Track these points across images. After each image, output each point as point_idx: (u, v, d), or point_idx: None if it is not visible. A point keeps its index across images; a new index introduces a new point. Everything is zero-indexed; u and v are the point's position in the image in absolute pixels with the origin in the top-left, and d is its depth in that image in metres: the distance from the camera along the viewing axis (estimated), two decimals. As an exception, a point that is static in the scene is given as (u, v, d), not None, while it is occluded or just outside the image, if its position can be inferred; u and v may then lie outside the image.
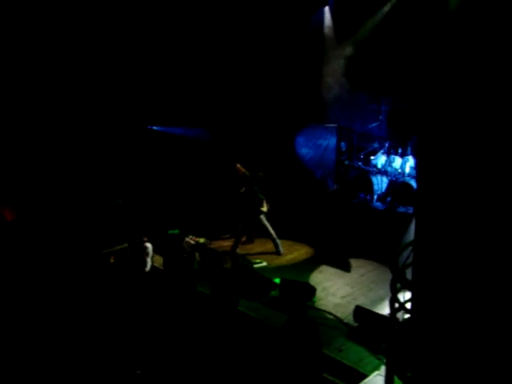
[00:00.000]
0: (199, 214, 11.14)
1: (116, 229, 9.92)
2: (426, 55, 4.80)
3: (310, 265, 9.59)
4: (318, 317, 7.38)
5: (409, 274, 5.30)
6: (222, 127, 13.38)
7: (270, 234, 9.95)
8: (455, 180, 4.37)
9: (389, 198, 11.04)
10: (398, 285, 5.45)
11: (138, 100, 12.67)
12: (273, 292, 8.19)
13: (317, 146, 12.92)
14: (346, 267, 9.45)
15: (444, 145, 4.45)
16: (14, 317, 7.26)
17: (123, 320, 7.19)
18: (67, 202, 11.03)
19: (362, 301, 7.95)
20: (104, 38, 11.89)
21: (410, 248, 5.34)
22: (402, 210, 10.60)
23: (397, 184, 10.93)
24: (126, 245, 8.83)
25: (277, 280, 8.35)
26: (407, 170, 10.89)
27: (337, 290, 8.52)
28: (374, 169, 11.44)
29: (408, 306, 5.31)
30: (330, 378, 6.11)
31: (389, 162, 11.24)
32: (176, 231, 8.71)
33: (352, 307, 7.51)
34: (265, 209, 9.81)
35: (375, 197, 11.26)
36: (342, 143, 12.60)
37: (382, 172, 11.27)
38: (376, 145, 12.13)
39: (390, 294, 5.52)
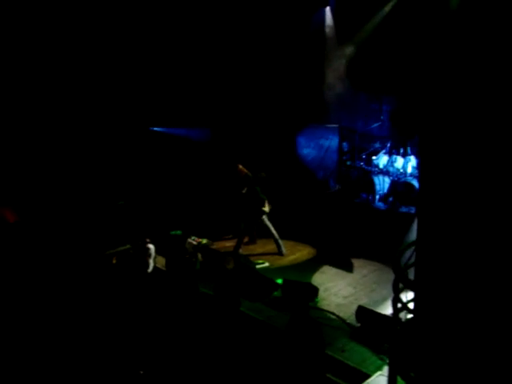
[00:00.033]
0: (201, 214, 11.14)
1: (118, 230, 9.93)
2: (427, 55, 4.80)
3: (313, 265, 9.59)
4: (320, 317, 7.38)
5: (411, 274, 5.30)
6: (223, 128, 13.39)
7: (273, 234, 9.95)
8: (457, 180, 4.37)
9: (391, 198, 11.04)
10: (401, 285, 5.45)
11: (140, 101, 12.69)
12: (275, 293, 8.19)
13: (319, 146, 12.94)
14: (348, 267, 9.45)
15: (446, 144, 4.45)
16: (18, 318, 7.27)
17: (126, 320, 7.19)
18: (70, 204, 11.05)
19: (365, 301, 7.95)
20: (106, 39, 11.91)
21: (413, 248, 5.34)
22: (404, 210, 10.61)
23: (399, 184, 10.93)
24: (128, 246, 8.83)
25: (279, 280, 8.35)
26: (409, 169, 10.89)
27: (339, 291, 8.52)
28: (376, 169, 11.44)
29: (410, 306, 5.31)
30: (332, 378, 6.11)
31: (391, 162, 11.24)
32: (178, 232, 8.69)
33: (354, 307, 7.50)
34: (267, 209, 9.81)
35: (377, 197, 11.26)
36: (344, 143, 12.61)
37: (384, 172, 11.27)
38: (378, 145, 12.14)
39: (392, 294, 5.53)
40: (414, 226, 5.56)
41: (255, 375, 6.20)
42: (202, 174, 12.63)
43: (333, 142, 12.64)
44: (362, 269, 9.39)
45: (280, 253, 9.98)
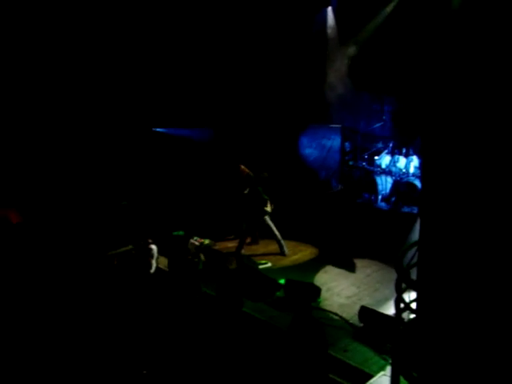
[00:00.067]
0: (204, 215, 11.14)
1: (121, 231, 9.94)
2: (429, 55, 4.80)
3: (315, 265, 9.58)
4: (323, 317, 7.38)
5: (414, 274, 5.29)
6: (225, 128, 13.40)
7: (275, 234, 9.94)
8: (460, 179, 4.36)
9: (393, 198, 11.03)
10: (404, 285, 5.45)
11: (143, 102, 12.70)
12: (278, 293, 8.19)
13: (321, 146, 12.94)
14: (350, 267, 9.44)
15: (448, 144, 4.44)
16: (21, 319, 7.29)
17: (129, 321, 7.20)
18: (72, 205, 11.06)
19: (368, 301, 7.94)
20: (109, 40, 11.93)
21: (415, 248, 5.33)
22: (406, 209, 10.60)
23: (401, 184, 10.92)
24: (130, 246, 8.85)
25: (282, 281, 8.35)
26: (411, 169, 10.88)
27: (342, 291, 8.51)
28: (379, 169, 11.43)
29: (413, 306, 5.30)
30: (335, 378, 6.11)
31: (393, 162, 11.22)
32: (181, 233, 8.69)
33: (357, 307, 7.50)
34: (269, 209, 9.81)
35: (380, 197, 11.25)
36: (346, 143, 12.61)
37: (387, 172, 11.26)
38: (380, 145, 12.13)
39: (395, 294, 5.52)
40: (417, 226, 5.56)
41: (258, 375, 6.20)
42: (204, 175, 12.63)
43: (335, 142, 12.64)
44: (365, 269, 9.38)
45: (282, 253, 9.97)
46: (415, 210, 10.15)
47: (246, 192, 10.13)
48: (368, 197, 11.52)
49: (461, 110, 4.31)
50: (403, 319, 5.58)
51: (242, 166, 10.70)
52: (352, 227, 10.47)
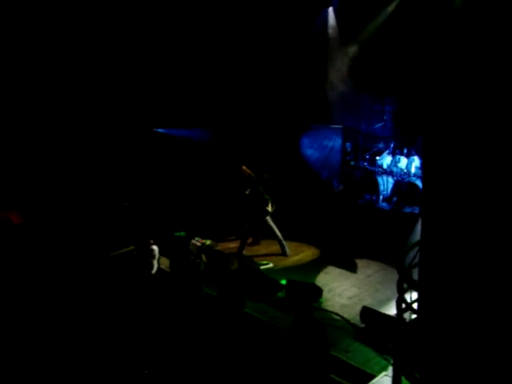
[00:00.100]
0: (205, 215, 11.15)
1: (122, 231, 9.95)
2: (430, 55, 4.80)
3: (317, 266, 9.58)
4: (324, 318, 7.37)
5: (415, 275, 5.29)
6: (227, 128, 13.40)
7: (276, 235, 9.95)
8: (461, 179, 4.36)
9: (394, 199, 11.02)
10: (405, 285, 5.45)
11: (145, 103, 12.71)
12: (279, 293, 8.19)
13: (322, 146, 12.94)
14: (352, 268, 9.44)
15: (449, 144, 4.44)
16: (23, 319, 7.30)
17: (131, 321, 7.21)
18: (73, 205, 11.08)
19: (369, 301, 7.93)
20: (110, 41, 11.95)
21: (417, 248, 5.33)
22: (407, 210, 10.59)
23: (402, 184, 10.92)
24: (132, 247, 8.86)
25: (283, 281, 8.35)
26: (413, 170, 10.88)
27: (343, 291, 8.51)
28: (380, 169, 11.43)
29: (415, 306, 5.30)
30: (337, 378, 6.10)
31: (394, 163, 11.22)
32: (182, 233, 8.71)
33: (359, 308, 7.49)
34: (270, 210, 9.81)
35: (381, 197, 11.25)
36: (348, 144, 12.61)
37: (388, 172, 11.26)
38: (381, 145, 12.13)
39: (396, 295, 5.52)
40: (418, 226, 5.57)
41: (259, 376, 6.20)
42: (205, 175, 12.64)
43: (336, 142, 12.64)
44: (366, 269, 9.38)
45: (284, 253, 9.98)
46: (416, 211, 10.14)
47: (247, 192, 10.13)
48: (369, 197, 11.52)
49: (462, 110, 4.31)
50: (405, 319, 5.58)
51: (244, 167, 10.71)
52: (353, 228, 10.47)
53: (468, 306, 4.30)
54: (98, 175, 12.01)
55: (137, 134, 12.77)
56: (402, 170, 11.04)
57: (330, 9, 12.96)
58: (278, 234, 9.93)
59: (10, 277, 8.33)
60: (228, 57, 12.94)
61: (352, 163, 12.44)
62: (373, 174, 11.58)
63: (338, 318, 7.57)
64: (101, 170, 12.12)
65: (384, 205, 11.14)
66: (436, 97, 4.66)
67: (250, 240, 10.31)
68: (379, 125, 12.06)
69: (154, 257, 8.18)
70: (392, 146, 11.45)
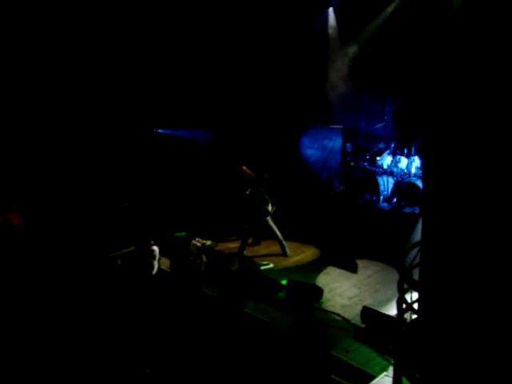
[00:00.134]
0: (205, 216, 11.15)
1: (122, 232, 9.95)
2: (430, 55, 4.80)
3: (317, 266, 9.58)
4: (325, 318, 7.37)
5: (416, 275, 5.29)
6: (227, 129, 13.41)
7: (277, 235, 9.95)
8: (461, 179, 4.36)
9: (395, 199, 11.02)
10: (405, 285, 5.45)
11: (145, 103, 12.72)
12: (280, 294, 8.19)
13: (322, 147, 12.93)
14: (352, 268, 9.44)
15: (450, 144, 4.44)
16: (24, 320, 7.30)
17: (131, 321, 7.21)
18: (73, 206, 11.08)
19: (369, 302, 7.93)
20: (111, 41, 11.95)
21: (417, 248, 5.33)
22: (408, 210, 10.59)
23: (403, 184, 10.91)
24: (132, 248, 8.86)
25: (284, 281, 8.35)
26: (413, 170, 10.87)
27: (344, 291, 8.51)
28: (380, 169, 11.42)
29: (415, 306, 5.30)
30: (337, 379, 6.10)
31: (395, 163, 11.21)
32: (182, 234, 8.71)
33: (359, 308, 7.49)
34: (270, 210, 9.81)
35: (381, 197, 11.24)
36: (348, 144, 12.60)
37: (388, 172, 11.25)
38: (382, 145, 12.12)
39: (396, 295, 5.52)
40: (419, 227, 5.56)
41: (260, 376, 6.20)
42: (205, 176, 12.64)
43: (336, 142, 12.63)
44: (367, 269, 9.38)
45: (284, 254, 9.97)
46: (417, 211, 10.13)
47: (247, 193, 10.14)
48: (370, 197, 11.51)
49: (462, 110, 4.31)
50: (405, 320, 5.58)
51: (244, 167, 10.71)
52: (354, 228, 10.46)
53: (468, 307, 4.30)
54: (98, 176, 12.01)
55: (137, 135, 12.77)
56: (402, 170, 11.03)
57: (330, 9, 12.95)
58: (279, 234, 9.94)
59: (11, 277, 8.33)
60: (229, 57, 12.94)
61: (352, 163, 12.43)
62: (373, 174, 11.57)
63: (338, 318, 7.57)
64: (101, 170, 12.12)
65: (384, 205, 11.14)
66: (436, 97, 4.66)
67: (250, 240, 10.31)
68: (379, 125, 12.05)
69: (154, 257, 8.19)
70: (392, 146, 11.44)
